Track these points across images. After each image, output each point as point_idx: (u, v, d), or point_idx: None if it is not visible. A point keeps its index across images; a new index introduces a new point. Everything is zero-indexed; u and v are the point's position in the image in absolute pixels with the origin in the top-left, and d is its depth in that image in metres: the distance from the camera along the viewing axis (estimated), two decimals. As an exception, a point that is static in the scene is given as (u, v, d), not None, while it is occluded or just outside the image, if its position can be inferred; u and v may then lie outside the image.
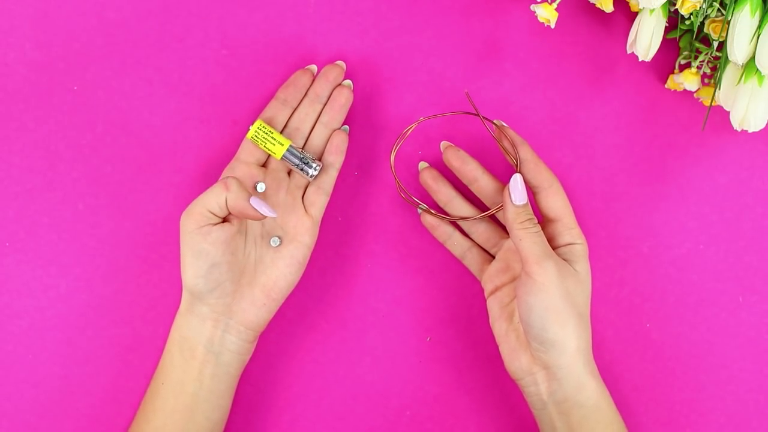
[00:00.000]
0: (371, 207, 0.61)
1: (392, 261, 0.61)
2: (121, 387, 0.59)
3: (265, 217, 0.52)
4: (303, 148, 0.58)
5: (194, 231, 0.52)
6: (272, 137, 0.56)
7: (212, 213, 0.52)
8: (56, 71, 0.60)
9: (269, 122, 0.57)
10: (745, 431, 0.60)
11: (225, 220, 0.54)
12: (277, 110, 0.58)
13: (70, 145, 0.60)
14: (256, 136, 0.56)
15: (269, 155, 0.58)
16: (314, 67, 0.59)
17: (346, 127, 0.59)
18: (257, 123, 0.56)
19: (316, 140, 0.58)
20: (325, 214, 0.59)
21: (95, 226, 0.60)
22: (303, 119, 0.58)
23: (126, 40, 0.60)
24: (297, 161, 0.56)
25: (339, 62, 0.59)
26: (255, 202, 0.52)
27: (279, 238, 0.56)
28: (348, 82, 0.59)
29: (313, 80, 0.59)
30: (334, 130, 0.58)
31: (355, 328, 0.60)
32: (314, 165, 0.56)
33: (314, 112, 0.58)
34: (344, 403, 0.60)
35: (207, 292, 0.53)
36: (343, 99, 0.58)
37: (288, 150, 0.56)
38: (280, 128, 0.58)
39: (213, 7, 0.61)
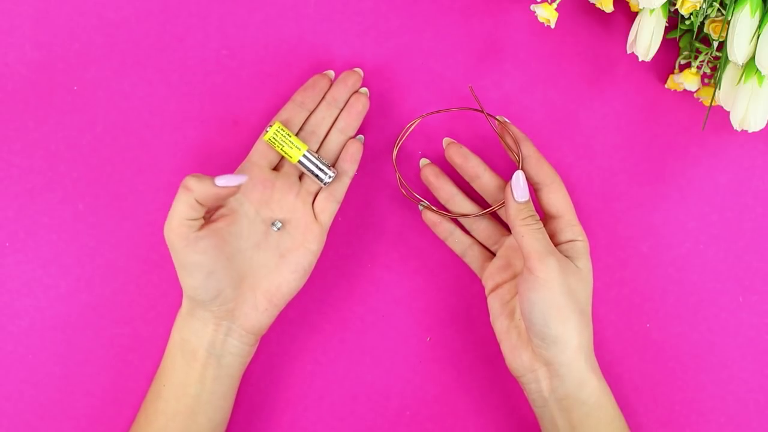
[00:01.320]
0: (371, 207, 0.61)
1: (392, 261, 0.61)
2: (121, 387, 0.59)
3: (239, 187, 0.51)
4: (317, 152, 0.58)
5: (181, 244, 0.51)
6: (290, 140, 0.56)
7: (190, 219, 0.51)
8: (56, 71, 0.60)
9: (285, 124, 0.57)
10: (745, 431, 0.60)
11: (209, 221, 0.53)
12: (293, 112, 0.57)
13: (70, 145, 0.60)
14: (274, 138, 0.55)
15: (282, 158, 0.57)
16: (332, 73, 0.59)
17: (361, 136, 0.59)
18: (276, 125, 0.56)
19: (331, 146, 0.58)
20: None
21: (95, 226, 0.60)
22: (319, 123, 0.58)
23: (126, 40, 0.60)
24: (312, 167, 0.56)
25: (357, 69, 0.59)
26: (221, 181, 0.50)
27: (280, 221, 0.56)
28: (365, 89, 0.59)
29: (330, 85, 0.59)
30: (350, 139, 0.58)
31: (355, 328, 0.60)
32: (329, 172, 0.56)
33: (331, 116, 0.58)
34: (344, 403, 0.60)
35: (209, 301, 0.53)
36: (360, 106, 0.58)
37: (304, 155, 0.56)
38: (296, 131, 0.57)
39: (213, 7, 0.61)
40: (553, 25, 0.56)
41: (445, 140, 0.59)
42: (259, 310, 0.55)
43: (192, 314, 0.54)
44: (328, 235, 0.60)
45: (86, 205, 0.60)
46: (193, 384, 0.54)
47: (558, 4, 0.59)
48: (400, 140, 0.60)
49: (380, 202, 0.61)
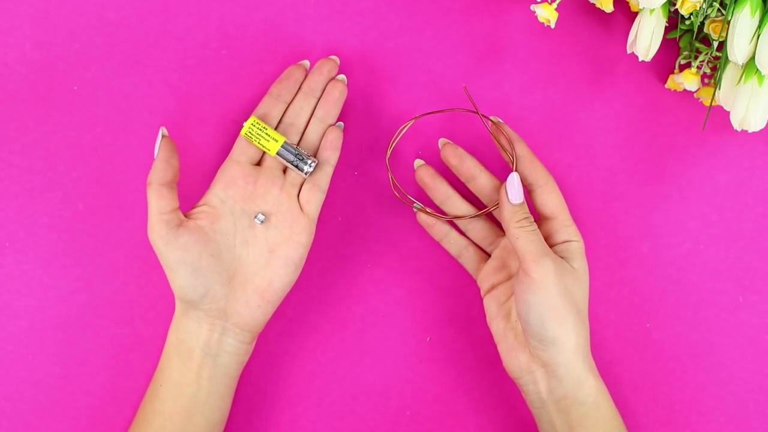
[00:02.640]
0: (371, 207, 0.61)
1: (392, 261, 0.61)
2: (121, 387, 0.59)
3: (171, 144, 0.54)
4: (299, 143, 0.58)
5: (162, 243, 0.52)
6: (266, 133, 0.55)
7: (164, 212, 0.52)
8: (56, 71, 0.60)
9: (263, 118, 0.57)
10: (745, 431, 0.60)
11: (190, 218, 0.54)
12: (270, 106, 0.57)
13: (70, 145, 0.60)
14: (249, 132, 0.55)
15: (263, 153, 0.57)
16: (307, 63, 0.59)
17: (341, 123, 0.59)
18: (251, 119, 0.56)
19: (312, 136, 0.57)
20: (324, 214, 0.59)
21: (95, 226, 0.60)
22: (297, 114, 0.57)
23: (126, 40, 0.60)
24: (291, 158, 0.56)
25: (333, 56, 0.59)
26: (155, 152, 0.53)
27: (263, 214, 0.56)
28: (342, 76, 0.59)
29: (306, 75, 0.58)
30: (329, 126, 0.57)
31: (355, 328, 0.60)
32: (309, 161, 0.56)
33: (308, 106, 0.58)
34: (344, 403, 0.60)
35: (198, 300, 0.53)
36: (338, 93, 0.57)
37: (282, 146, 0.56)
38: (275, 124, 0.57)
39: (213, 7, 0.61)
40: (553, 25, 0.56)
41: (441, 141, 0.59)
42: (251, 307, 0.55)
43: (186, 315, 0.54)
44: (328, 235, 0.60)
45: (86, 205, 0.60)
46: (190, 384, 0.54)
47: (558, 4, 0.59)
48: (393, 142, 0.60)
49: (379, 204, 0.61)
